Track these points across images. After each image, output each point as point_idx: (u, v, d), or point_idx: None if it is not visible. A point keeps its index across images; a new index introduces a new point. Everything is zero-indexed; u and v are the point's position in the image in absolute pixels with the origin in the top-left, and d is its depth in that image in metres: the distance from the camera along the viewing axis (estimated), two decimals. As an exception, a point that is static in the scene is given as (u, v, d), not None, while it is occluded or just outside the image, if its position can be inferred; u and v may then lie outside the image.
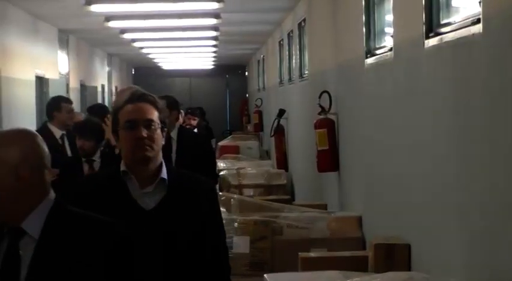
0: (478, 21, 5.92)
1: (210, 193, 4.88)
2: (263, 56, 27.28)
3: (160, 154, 4.77)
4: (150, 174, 4.72)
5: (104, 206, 4.42)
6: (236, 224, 10.23)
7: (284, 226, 10.34)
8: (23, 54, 16.20)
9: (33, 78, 17.10)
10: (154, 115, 4.74)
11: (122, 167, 4.74)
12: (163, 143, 4.79)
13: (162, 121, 4.77)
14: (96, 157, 9.15)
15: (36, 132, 3.70)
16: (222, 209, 10.71)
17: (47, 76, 18.23)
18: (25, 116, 15.94)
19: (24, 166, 3.52)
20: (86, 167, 9.14)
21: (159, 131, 4.73)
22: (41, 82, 17.89)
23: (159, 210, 4.69)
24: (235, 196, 10.86)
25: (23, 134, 3.62)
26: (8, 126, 13.99)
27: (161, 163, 4.76)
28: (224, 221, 10.08)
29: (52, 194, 3.61)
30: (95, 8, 15.17)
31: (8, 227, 3.56)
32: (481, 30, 5.84)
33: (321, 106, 11.88)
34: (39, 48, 17.91)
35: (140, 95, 4.79)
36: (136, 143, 4.66)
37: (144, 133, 4.65)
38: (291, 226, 10.32)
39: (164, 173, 4.74)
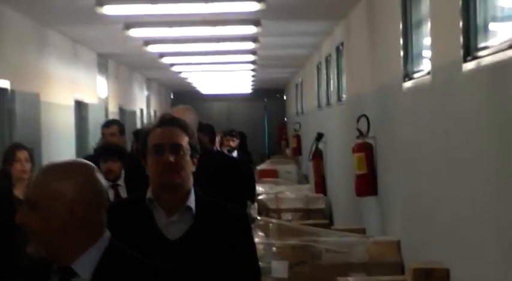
0: (516, 43, 5.90)
1: (240, 223, 4.54)
2: (301, 80, 27.30)
3: (190, 181, 4.48)
4: (176, 202, 4.43)
5: (129, 235, 4.13)
6: (274, 248, 10.21)
7: (323, 251, 10.31)
8: (62, 79, 16.25)
9: (73, 103, 17.15)
10: (184, 140, 4.47)
11: (148, 194, 4.47)
12: (193, 169, 4.50)
13: (192, 147, 4.50)
14: (121, 181, 8.87)
15: (94, 166, 3.43)
16: (260, 233, 10.76)
17: (86, 101, 18.30)
18: (64, 140, 15.98)
19: (79, 202, 3.23)
20: (111, 193, 8.74)
21: (188, 157, 4.46)
22: (80, 107, 17.95)
23: (184, 241, 4.39)
24: (273, 220, 10.84)
25: (80, 167, 3.35)
26: (47, 152, 14.07)
27: (189, 190, 4.46)
28: (262, 246, 10.16)
29: (107, 234, 3.34)
30: (134, 32, 15.22)
31: (58, 266, 3.31)
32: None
33: (359, 130, 11.86)
34: (78, 72, 17.98)
35: (170, 119, 4.59)
36: (163, 168, 4.39)
37: (172, 158, 4.39)
38: (329, 251, 10.28)
39: (191, 201, 4.44)
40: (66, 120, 16.46)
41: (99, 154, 9.04)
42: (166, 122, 4.56)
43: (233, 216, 4.55)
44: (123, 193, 8.75)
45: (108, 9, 12.16)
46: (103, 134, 10.65)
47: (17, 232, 7.25)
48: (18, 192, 8.27)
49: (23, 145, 9.27)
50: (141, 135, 9.80)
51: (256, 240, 10.29)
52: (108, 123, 10.85)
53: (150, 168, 4.45)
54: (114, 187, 8.84)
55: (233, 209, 4.69)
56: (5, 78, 12.18)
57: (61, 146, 15.44)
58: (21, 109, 12.66)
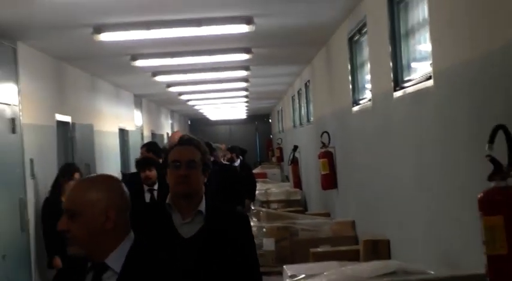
0: (430, 77, 5.92)
1: (242, 223, 4.18)
2: (281, 107, 27.34)
3: (202, 190, 4.15)
4: (190, 207, 4.09)
5: (152, 233, 3.91)
6: (264, 229, 10.23)
7: (299, 230, 10.34)
8: (109, 113, 16.30)
9: (117, 130, 17.17)
10: (197, 157, 4.13)
11: (168, 200, 4.16)
12: (205, 180, 4.18)
13: (204, 162, 4.16)
14: (156, 187, 8.52)
15: (119, 178, 3.24)
16: (254, 219, 10.78)
17: (127, 128, 18.30)
18: (112, 158, 15.99)
19: (112, 208, 3.02)
20: (148, 196, 8.49)
21: (200, 171, 4.12)
22: (123, 133, 17.96)
23: (196, 239, 4.08)
24: (263, 209, 10.86)
25: (111, 180, 3.14)
26: (100, 167, 14.08)
27: (201, 197, 4.13)
28: (256, 228, 10.17)
29: (131, 233, 3.11)
30: (159, 78, 15.24)
31: (93, 262, 3.07)
32: (432, 84, 5.84)
33: (322, 142, 11.89)
34: (120, 108, 18.01)
35: (187, 139, 4.28)
36: (178, 180, 4.07)
37: (186, 172, 4.07)
38: (304, 230, 10.31)
39: (202, 206, 4.10)
40: (113, 144, 16.45)
41: (139, 165, 8.62)
42: (184, 142, 4.27)
43: (236, 218, 4.23)
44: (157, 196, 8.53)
45: (139, 62, 12.18)
46: (141, 152, 10.56)
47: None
48: None
49: (78, 167, 9.30)
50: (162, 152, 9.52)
51: (252, 223, 10.35)
52: (144, 145, 10.89)
53: (170, 179, 4.15)
54: (151, 191, 8.48)
55: (236, 212, 4.45)
56: (67, 114, 12.20)
57: (110, 163, 15.44)
58: (80, 137, 12.67)
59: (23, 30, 9.20)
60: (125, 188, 3.13)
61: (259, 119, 39.70)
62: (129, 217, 3.09)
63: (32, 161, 10.06)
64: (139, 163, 8.75)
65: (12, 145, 9.42)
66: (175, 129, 32.27)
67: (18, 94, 9.79)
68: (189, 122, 40.25)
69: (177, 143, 4.28)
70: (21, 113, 9.79)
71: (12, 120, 9.43)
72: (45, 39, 9.91)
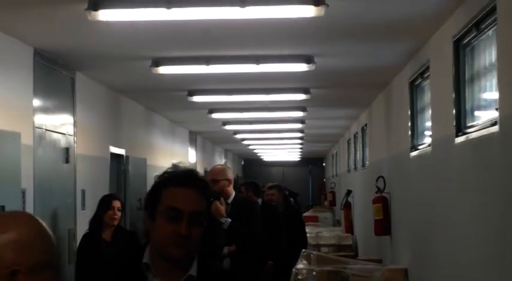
0: (495, 123, 5.69)
1: None
2: (336, 151, 27.14)
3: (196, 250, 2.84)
4: (179, 272, 2.81)
5: None
6: (314, 273, 10.01)
7: (350, 275, 10.10)
8: (164, 149, 16.26)
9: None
10: (204, 206, 2.83)
11: (145, 258, 2.83)
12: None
13: (207, 213, 2.87)
14: None
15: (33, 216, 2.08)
16: (304, 261, 10.54)
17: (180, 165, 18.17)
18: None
19: (20, 266, 1.92)
20: None
21: (202, 226, 2.81)
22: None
23: None
24: (314, 252, 10.62)
25: (23, 218, 2.03)
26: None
27: (194, 257, 2.85)
28: (305, 271, 9.94)
29: None
30: (215, 115, 15.18)
31: None
32: (498, 130, 5.61)
33: (377, 187, 11.69)
34: (175, 144, 17.96)
35: (193, 178, 2.90)
36: (175, 240, 2.75)
37: (189, 231, 2.74)
38: (355, 275, 10.07)
39: (193, 269, 2.82)
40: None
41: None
42: (189, 182, 2.86)
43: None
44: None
45: (196, 98, 12.10)
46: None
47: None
48: (106, 235, 7.82)
49: (117, 195, 8.58)
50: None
51: (301, 266, 10.14)
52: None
53: (158, 232, 2.79)
54: None
55: (239, 276, 3.53)
56: (122, 147, 12.16)
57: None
58: (133, 170, 12.60)
59: (82, 60, 9.20)
60: (46, 231, 2.04)
61: (312, 162, 39.53)
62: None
63: (83, 192, 9.99)
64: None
65: (65, 174, 9.36)
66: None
67: (74, 124, 9.75)
68: (243, 162, 40.21)
69: (177, 180, 2.87)
70: (75, 143, 9.74)
71: (66, 150, 9.38)
72: (104, 70, 9.90)
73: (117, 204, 7.91)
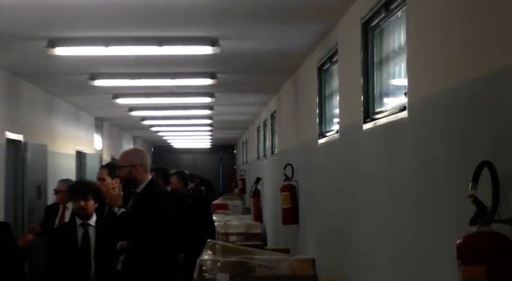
0: (404, 108, 5.44)
1: None
2: (246, 139, 26.95)
3: None
4: None
5: None
6: (219, 263, 9.68)
7: (256, 266, 9.80)
8: (67, 135, 15.72)
9: (74, 153, 16.54)
10: None
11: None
12: None
13: None
14: (92, 221, 6.78)
15: None
16: (209, 252, 10.22)
17: (85, 151, 17.65)
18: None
19: None
20: (80, 233, 6.76)
21: None
22: (80, 156, 17.28)
23: None
24: (219, 242, 10.29)
25: None
26: (52, 189, 13.42)
27: None
28: (209, 262, 9.61)
29: None
30: (120, 101, 14.70)
31: None
32: (406, 115, 5.36)
33: (285, 175, 11.44)
34: (79, 130, 17.40)
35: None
36: None
37: None
38: (261, 266, 9.79)
39: None
40: (69, 166, 15.82)
41: (73, 192, 7.02)
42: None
43: None
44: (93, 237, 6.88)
45: (98, 82, 11.62)
46: (99, 174, 9.83)
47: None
48: None
49: None
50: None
51: (205, 257, 9.80)
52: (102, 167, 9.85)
53: None
54: (85, 226, 6.81)
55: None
56: (19, 133, 11.62)
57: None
58: (32, 156, 12.06)
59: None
60: None
61: (223, 150, 39.29)
62: None
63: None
64: (73, 189, 7.07)
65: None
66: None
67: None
68: (152, 149, 39.69)
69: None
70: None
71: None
72: (-3, 50, 9.35)
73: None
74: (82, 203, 6.74)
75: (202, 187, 21.42)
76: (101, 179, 7.65)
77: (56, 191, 9.11)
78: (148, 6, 7.13)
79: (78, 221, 6.79)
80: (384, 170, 6.07)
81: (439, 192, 4.65)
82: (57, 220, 8.58)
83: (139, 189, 6.39)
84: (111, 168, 7.98)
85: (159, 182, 9.15)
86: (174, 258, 6.63)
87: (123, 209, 6.22)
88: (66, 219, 8.09)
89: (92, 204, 6.79)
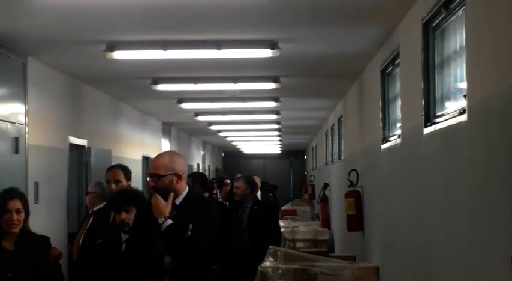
0: (464, 111, 5.22)
1: None
2: (315, 144, 26.76)
3: None
4: None
5: None
6: (280, 271, 9.54)
7: (318, 273, 9.65)
8: (133, 140, 15.77)
9: (141, 158, 16.58)
10: None
11: None
12: None
13: None
14: None
15: None
16: (270, 259, 10.05)
17: (152, 156, 17.66)
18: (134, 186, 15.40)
19: None
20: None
21: None
22: (147, 161, 17.31)
23: None
24: (281, 249, 10.13)
25: None
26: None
27: None
28: (271, 269, 9.47)
29: None
30: (185, 105, 14.67)
31: None
32: (466, 119, 5.14)
33: (349, 181, 11.23)
34: (145, 135, 17.45)
35: None
36: None
37: None
38: (323, 273, 9.63)
39: None
40: (135, 171, 15.84)
41: (115, 203, 6.17)
42: None
43: None
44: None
45: (161, 87, 11.60)
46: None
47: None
48: (7, 244, 5.83)
49: (17, 192, 6.02)
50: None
51: (267, 264, 9.65)
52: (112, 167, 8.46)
53: None
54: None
55: None
56: (83, 138, 11.65)
57: (130, 189, 14.84)
58: (95, 161, 12.07)
59: (33, 44, 8.67)
60: None
61: (293, 155, 39.16)
62: None
63: (37, 184, 9.48)
64: (115, 199, 6.18)
65: (14, 166, 8.83)
66: (207, 160, 31.67)
67: (26, 113, 9.22)
68: (223, 154, 39.79)
69: None
70: (27, 134, 9.22)
71: (16, 140, 8.84)
72: (56, 54, 9.37)
73: (15, 205, 5.80)
74: (124, 215, 5.92)
75: (271, 194, 21.32)
76: (116, 180, 7.15)
77: (87, 193, 8.30)
78: (205, 8, 7.03)
79: (124, 236, 5.90)
80: (442, 175, 5.85)
81: (496, 198, 4.43)
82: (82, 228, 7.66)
83: (179, 200, 5.43)
84: (124, 169, 7.52)
85: (195, 189, 8.88)
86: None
87: (170, 221, 5.28)
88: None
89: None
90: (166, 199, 5.34)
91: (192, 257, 5.31)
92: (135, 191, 6.33)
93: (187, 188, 5.49)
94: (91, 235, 6.97)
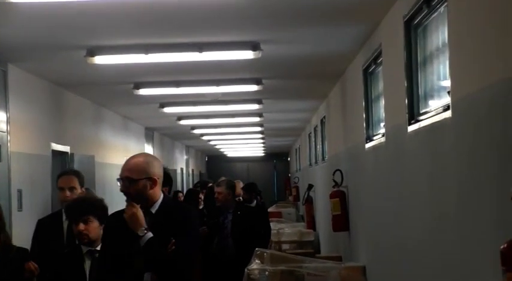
0: (448, 108, 5.22)
1: None
2: (299, 146, 26.78)
3: None
4: None
5: None
6: (267, 273, 9.52)
7: (305, 274, 9.64)
8: (116, 146, 15.69)
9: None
10: None
11: None
12: None
13: None
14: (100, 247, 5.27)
15: None
16: (257, 261, 10.02)
17: (135, 161, 17.60)
18: (114, 193, 15.32)
19: None
20: (87, 263, 5.40)
21: None
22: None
23: None
24: (267, 250, 10.10)
25: None
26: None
27: None
28: (257, 271, 9.44)
29: None
30: (168, 110, 14.63)
31: None
32: (450, 115, 5.13)
33: (334, 181, 11.23)
34: (129, 140, 17.38)
35: None
36: None
37: None
38: (310, 274, 9.62)
39: None
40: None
41: (70, 210, 5.64)
42: None
43: None
44: None
45: (143, 91, 11.55)
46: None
47: None
48: None
49: None
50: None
51: (254, 266, 9.62)
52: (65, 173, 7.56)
53: None
54: (92, 253, 5.46)
55: None
56: (66, 144, 11.58)
57: (112, 197, 14.76)
58: (79, 168, 12.01)
59: (14, 51, 8.61)
60: None
61: (277, 157, 39.18)
62: None
63: (20, 192, 9.42)
64: (71, 209, 5.59)
65: (-3, 174, 8.78)
66: (191, 165, 31.61)
67: (7, 120, 9.16)
68: (206, 158, 39.74)
69: None
70: (9, 142, 9.15)
71: (-2, 148, 8.79)
72: (37, 61, 9.30)
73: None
74: (82, 226, 5.41)
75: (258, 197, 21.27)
76: (71, 188, 6.52)
77: None
78: (185, 11, 7.00)
79: (85, 249, 5.44)
80: (427, 173, 5.85)
81: (483, 193, 4.42)
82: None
83: (154, 209, 4.87)
84: (78, 175, 6.82)
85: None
86: None
87: (150, 234, 4.71)
88: None
89: (95, 226, 5.42)
90: (142, 207, 4.80)
91: (175, 273, 4.77)
92: (92, 199, 5.74)
93: (162, 195, 4.91)
94: (43, 245, 6.37)
